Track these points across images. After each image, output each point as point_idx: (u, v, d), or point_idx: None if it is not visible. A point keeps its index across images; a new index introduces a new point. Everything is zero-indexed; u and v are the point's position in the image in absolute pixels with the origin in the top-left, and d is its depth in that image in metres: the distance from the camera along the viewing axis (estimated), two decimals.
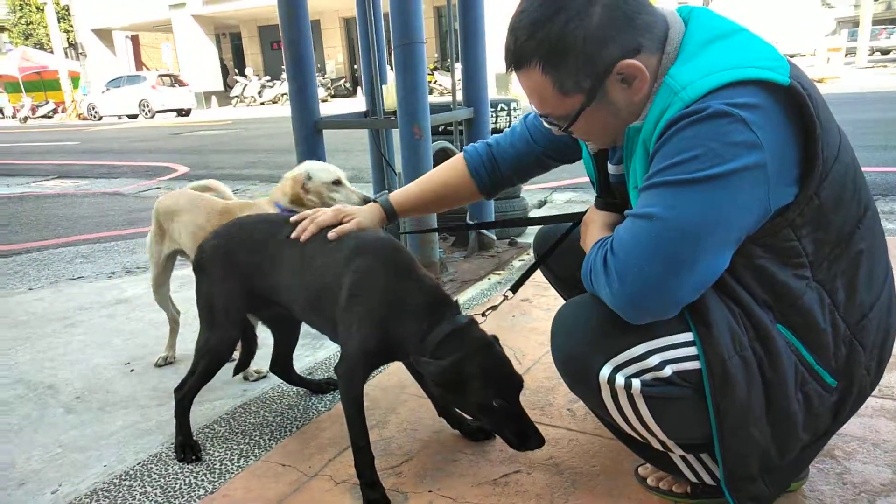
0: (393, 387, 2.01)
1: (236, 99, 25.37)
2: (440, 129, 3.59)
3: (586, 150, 1.40)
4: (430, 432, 1.74)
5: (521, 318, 2.51)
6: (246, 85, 25.30)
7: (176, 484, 1.58)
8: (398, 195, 1.66)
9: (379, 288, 1.45)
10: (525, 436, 1.38)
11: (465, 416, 1.66)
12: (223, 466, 1.65)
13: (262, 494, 1.52)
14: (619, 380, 1.12)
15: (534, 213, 4.29)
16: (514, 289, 1.57)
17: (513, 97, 4.02)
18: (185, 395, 1.73)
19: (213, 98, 26.28)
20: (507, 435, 1.39)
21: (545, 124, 1.29)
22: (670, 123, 1.02)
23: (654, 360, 1.11)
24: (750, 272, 1.11)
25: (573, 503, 1.41)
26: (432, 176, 1.69)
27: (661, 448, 1.24)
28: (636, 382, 1.12)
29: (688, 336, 1.12)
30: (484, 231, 3.44)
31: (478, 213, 3.46)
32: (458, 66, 3.48)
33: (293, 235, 1.55)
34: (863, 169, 1.20)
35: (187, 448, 1.70)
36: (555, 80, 1.11)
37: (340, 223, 1.55)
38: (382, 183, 3.62)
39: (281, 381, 2.05)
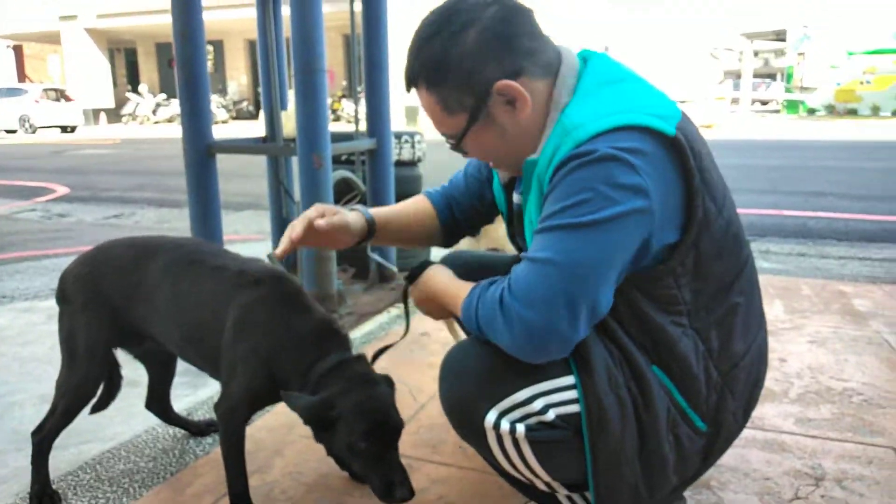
0: (280, 427, 1.91)
1: (128, 117, 24.12)
2: (342, 158, 3.54)
3: (497, 178, 1.41)
4: (316, 476, 1.66)
5: (419, 352, 2.48)
6: (139, 103, 24.12)
7: None
8: (375, 209, 1.52)
9: (264, 323, 1.37)
10: (391, 485, 1.27)
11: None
12: None
13: None
14: (505, 425, 1.12)
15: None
16: (407, 327, 1.52)
17: (417, 129, 4.04)
18: (43, 438, 1.56)
19: (103, 115, 24.86)
20: (373, 482, 1.29)
21: (447, 143, 1.30)
22: (561, 164, 1.06)
23: (537, 404, 1.12)
24: (630, 316, 1.15)
25: None
26: (400, 204, 1.58)
27: (546, 489, 1.24)
28: (520, 427, 1.12)
29: (570, 379, 1.14)
30: (384, 262, 3.40)
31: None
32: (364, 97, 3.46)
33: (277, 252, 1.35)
34: (742, 211, 1.27)
35: (45, 498, 1.53)
36: (439, 98, 1.16)
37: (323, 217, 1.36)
38: (280, 211, 3.51)
39: (157, 420, 1.91)
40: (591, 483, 1.15)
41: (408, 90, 1.21)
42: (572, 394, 1.13)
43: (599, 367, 1.12)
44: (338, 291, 2.97)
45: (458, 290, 1.24)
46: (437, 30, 1.12)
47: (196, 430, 1.88)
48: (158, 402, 1.85)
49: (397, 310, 3.08)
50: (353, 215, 1.42)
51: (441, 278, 1.31)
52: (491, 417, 1.13)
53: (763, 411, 1.97)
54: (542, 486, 1.23)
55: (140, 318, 1.52)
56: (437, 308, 1.33)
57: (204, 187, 2.95)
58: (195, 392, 2.18)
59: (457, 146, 1.23)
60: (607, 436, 1.12)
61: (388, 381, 1.39)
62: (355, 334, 2.72)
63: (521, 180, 1.32)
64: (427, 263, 1.36)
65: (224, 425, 1.39)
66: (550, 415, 1.12)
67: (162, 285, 1.48)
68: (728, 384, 1.20)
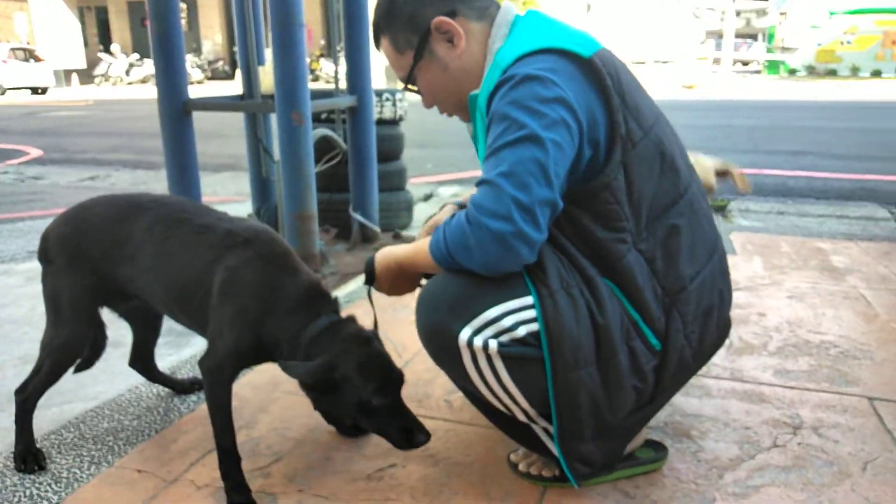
0: (265, 384, 1.91)
1: (100, 78, 23.41)
2: (322, 116, 3.48)
3: (468, 130, 1.49)
4: (303, 430, 1.68)
5: (402, 310, 2.48)
6: (111, 63, 23.40)
7: (15, 497, 1.41)
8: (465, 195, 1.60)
9: (253, 285, 1.36)
10: (410, 433, 1.32)
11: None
12: (71, 475, 1.49)
13: (114, 503, 1.39)
14: (478, 342, 1.18)
15: (418, 207, 4.28)
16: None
17: (399, 87, 3.97)
18: (27, 398, 1.55)
19: (74, 76, 24.14)
20: (391, 434, 1.33)
21: (407, 90, 1.44)
22: (493, 91, 1.20)
23: (508, 321, 1.19)
24: (574, 233, 1.23)
25: (447, 493, 1.41)
26: None
27: (525, 419, 1.28)
28: (493, 343, 1.19)
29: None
30: (367, 222, 3.38)
31: (361, 203, 3.39)
32: (343, 54, 3.39)
33: None
34: None
35: (29, 457, 1.52)
36: (391, 40, 1.36)
37: None
38: (260, 171, 3.46)
39: (141, 380, 1.90)
40: (551, 391, 1.20)
41: (376, 46, 1.41)
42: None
43: (552, 271, 1.20)
44: (320, 251, 2.95)
45: (417, 246, 1.31)
46: None
47: (180, 388, 1.88)
48: (142, 360, 1.84)
49: None
50: (450, 210, 1.52)
51: (394, 251, 1.36)
52: (465, 335, 1.19)
53: (742, 363, 2.01)
54: (521, 416, 1.28)
55: (125, 277, 1.50)
56: (405, 282, 1.39)
57: (181, 146, 2.89)
58: (179, 351, 2.17)
59: (411, 84, 1.38)
60: (563, 334, 1.17)
61: (375, 335, 1.40)
62: (338, 294, 2.71)
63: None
64: (371, 259, 1.39)
65: (209, 382, 1.39)
66: (521, 331, 1.19)
67: (146, 244, 1.45)
68: (677, 306, 1.27)
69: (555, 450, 1.32)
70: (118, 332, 1.81)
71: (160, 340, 1.86)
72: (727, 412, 1.73)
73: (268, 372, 1.97)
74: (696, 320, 1.29)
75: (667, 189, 1.26)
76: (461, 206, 1.53)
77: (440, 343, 1.24)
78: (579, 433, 1.25)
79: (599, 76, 1.20)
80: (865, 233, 3.73)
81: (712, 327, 1.34)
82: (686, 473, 1.46)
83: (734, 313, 2.36)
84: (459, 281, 1.22)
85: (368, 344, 1.35)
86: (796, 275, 2.90)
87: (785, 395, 1.82)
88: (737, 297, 2.56)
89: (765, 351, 2.11)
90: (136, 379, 1.91)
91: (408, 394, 1.38)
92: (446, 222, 1.22)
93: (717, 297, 1.34)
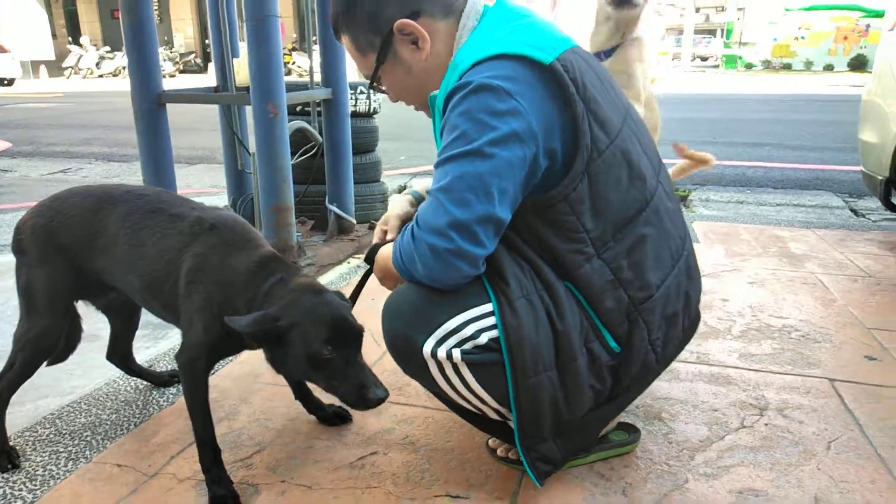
0: (245, 375, 1.92)
1: (70, 70, 22.93)
2: (297, 109, 3.47)
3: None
4: (284, 421, 1.69)
5: (381, 300, 2.48)
6: (81, 55, 22.94)
7: None
8: (420, 184, 1.60)
9: (215, 270, 1.36)
10: (363, 388, 1.22)
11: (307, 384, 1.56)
12: (47, 472, 1.48)
13: (94, 499, 1.39)
14: (442, 352, 1.20)
15: (393, 198, 4.29)
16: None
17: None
18: (0, 393, 1.54)
19: (43, 68, 23.58)
20: (343, 391, 1.25)
21: (372, 88, 1.41)
22: (448, 96, 1.17)
23: (469, 329, 1.20)
24: (533, 238, 1.22)
25: (428, 479, 1.43)
26: None
27: (498, 417, 1.30)
28: (456, 352, 1.20)
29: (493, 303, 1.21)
30: (343, 214, 3.38)
31: (337, 195, 3.39)
32: (317, 48, 3.37)
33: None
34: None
35: (2, 455, 1.51)
36: (352, 39, 1.30)
37: None
38: (235, 162, 3.44)
39: (119, 373, 1.89)
40: (511, 395, 1.21)
41: (337, 39, 1.34)
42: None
43: (511, 279, 1.20)
44: (297, 243, 2.95)
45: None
46: None
47: (159, 381, 1.88)
48: (120, 354, 1.83)
49: (357, 259, 3.09)
50: (406, 202, 1.51)
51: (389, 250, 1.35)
52: (428, 347, 1.20)
53: (708, 347, 2.07)
54: (492, 415, 1.30)
55: (100, 268, 1.49)
56: (394, 282, 1.38)
57: (155, 139, 2.86)
58: (156, 344, 2.16)
59: (376, 85, 1.34)
60: (523, 341, 1.19)
61: (340, 296, 1.37)
62: None
63: None
64: (377, 246, 1.40)
65: (186, 376, 1.39)
66: (483, 338, 1.20)
67: (121, 235, 1.45)
68: (642, 315, 1.26)
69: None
70: (95, 324, 1.80)
71: (138, 333, 1.86)
72: (696, 394, 1.78)
73: (248, 363, 1.97)
74: (660, 327, 1.29)
75: (634, 197, 1.23)
76: (418, 198, 1.52)
77: (406, 354, 1.25)
78: (539, 433, 1.27)
79: (561, 83, 1.14)
80: (821, 221, 3.84)
81: (678, 332, 1.34)
82: (658, 455, 1.51)
83: None
84: (420, 291, 1.22)
85: (320, 294, 1.29)
86: (757, 261, 2.98)
87: (750, 377, 1.88)
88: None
89: (729, 335, 2.17)
90: (114, 372, 1.91)
91: (387, 382, 1.39)
92: (401, 234, 1.23)
93: (682, 301, 1.33)
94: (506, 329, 1.18)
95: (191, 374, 1.38)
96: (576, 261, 1.21)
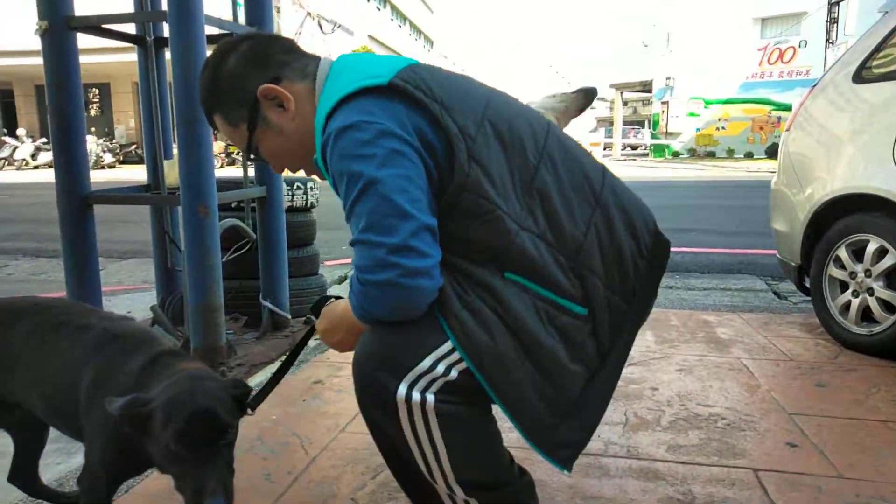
0: (162, 492, 1.82)
1: (3, 161, 22.43)
2: (232, 205, 3.48)
3: None
4: None
5: (311, 402, 2.44)
6: (17, 147, 22.53)
7: None
8: None
9: (112, 380, 1.29)
10: (198, 493, 1.10)
11: None
12: None
13: None
14: (416, 396, 1.19)
15: (333, 290, 4.28)
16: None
17: (311, 176, 4.02)
18: None
19: None
20: (182, 493, 1.14)
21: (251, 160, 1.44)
22: (322, 154, 1.23)
23: (440, 367, 1.20)
24: (453, 241, 1.23)
25: None
26: None
27: (443, 483, 1.26)
28: (430, 398, 1.19)
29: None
30: (277, 310, 3.34)
31: (272, 290, 3.36)
32: None
33: None
34: None
35: None
36: (223, 117, 1.36)
37: None
38: (165, 260, 3.39)
39: (22, 496, 1.76)
40: (497, 401, 1.20)
41: (211, 125, 1.40)
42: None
43: (449, 294, 1.20)
44: (227, 343, 2.88)
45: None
46: (205, 65, 1.37)
47: (68, 503, 1.75)
48: (25, 473, 1.71)
49: None
50: None
51: (345, 302, 1.35)
52: (402, 391, 1.19)
53: (638, 440, 2.09)
54: (439, 480, 1.25)
55: (3, 388, 1.42)
56: (342, 335, 1.38)
57: (80, 241, 2.81)
58: (68, 459, 2.03)
59: (253, 156, 1.39)
60: (480, 351, 1.18)
61: (235, 384, 1.27)
62: None
63: None
64: (328, 296, 1.41)
65: (86, 500, 1.31)
66: (453, 374, 1.20)
67: (24, 353, 1.39)
68: (585, 264, 1.25)
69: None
70: None
71: (48, 448, 1.75)
72: (625, 492, 1.78)
73: (166, 477, 1.87)
74: (610, 267, 1.28)
75: (520, 164, 1.25)
76: None
77: (378, 401, 1.23)
78: (541, 424, 1.24)
79: (407, 93, 1.20)
80: (746, 304, 4.03)
81: (627, 267, 1.31)
82: None
83: (630, 389, 2.50)
84: (386, 335, 1.22)
85: (195, 381, 1.19)
86: (685, 347, 3.07)
87: (678, 470, 1.90)
88: (630, 371, 2.69)
89: (658, 426, 2.21)
90: (17, 494, 1.77)
91: (312, 494, 1.35)
92: (350, 289, 1.24)
93: (624, 233, 1.31)
94: (461, 345, 1.19)
95: (92, 499, 1.30)
96: (505, 238, 1.21)
